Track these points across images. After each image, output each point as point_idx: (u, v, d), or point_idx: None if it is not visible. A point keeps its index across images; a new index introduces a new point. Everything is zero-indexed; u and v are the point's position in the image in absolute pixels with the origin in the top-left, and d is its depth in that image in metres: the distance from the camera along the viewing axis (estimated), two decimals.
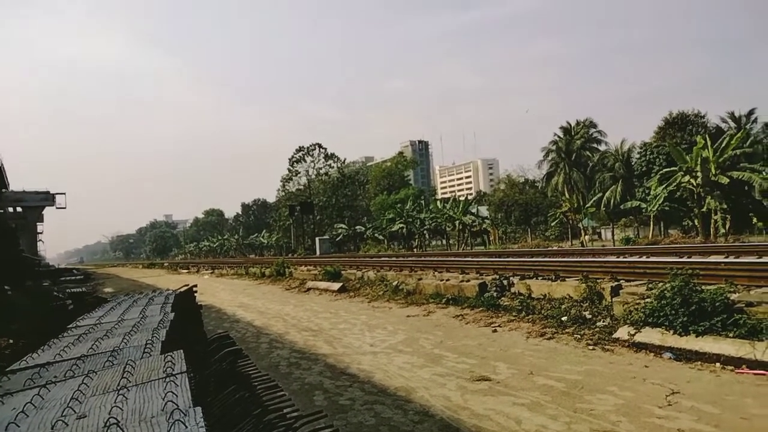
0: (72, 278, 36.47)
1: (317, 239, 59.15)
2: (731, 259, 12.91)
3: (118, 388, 2.71)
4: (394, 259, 25.47)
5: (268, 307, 14.30)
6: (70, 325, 5.27)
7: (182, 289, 7.48)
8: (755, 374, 5.32)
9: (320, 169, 78.56)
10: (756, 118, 52.41)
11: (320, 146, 78.19)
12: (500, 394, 5.32)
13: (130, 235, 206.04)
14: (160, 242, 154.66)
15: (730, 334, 6.07)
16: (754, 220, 35.33)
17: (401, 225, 55.62)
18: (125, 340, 3.94)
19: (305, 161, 78.18)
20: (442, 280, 12.98)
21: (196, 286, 7.73)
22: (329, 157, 78.38)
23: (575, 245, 39.25)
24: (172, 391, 2.48)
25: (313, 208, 66.92)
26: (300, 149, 77.91)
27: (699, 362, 5.88)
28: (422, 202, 65.55)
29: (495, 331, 8.49)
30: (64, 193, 62.33)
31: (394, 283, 14.08)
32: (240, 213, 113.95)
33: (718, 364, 5.74)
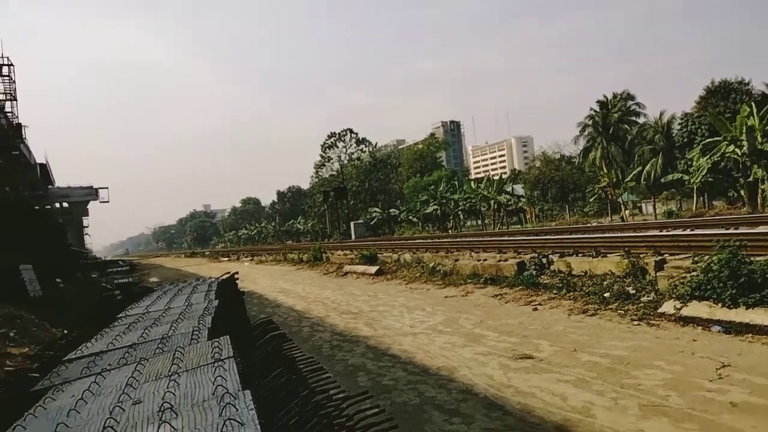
0: (118, 269, 37.86)
1: (352, 224, 59.54)
2: None
3: (170, 374, 2.83)
4: (429, 240, 25.46)
5: (308, 291, 14.55)
6: (120, 315, 5.50)
7: (224, 277, 7.69)
8: None
9: (352, 154, 78.87)
10: None
11: (351, 131, 78.40)
12: (544, 371, 5.30)
13: (171, 226, 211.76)
14: (200, 232, 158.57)
15: None
16: None
17: (435, 206, 55.41)
18: (173, 328, 4.09)
19: (337, 147, 78.62)
20: (479, 260, 12.91)
21: (237, 273, 7.93)
22: (361, 141, 78.55)
23: (615, 220, 38.32)
24: (221, 376, 2.57)
25: (347, 193, 67.25)
26: (332, 135, 78.34)
27: (750, 335, 5.71)
28: (456, 182, 65.06)
29: (535, 309, 8.43)
30: (107, 187, 64.56)
31: (431, 265, 14.09)
32: (276, 201, 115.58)
33: None
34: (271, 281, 18.92)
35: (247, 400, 2.21)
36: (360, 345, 7.36)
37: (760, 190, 31.50)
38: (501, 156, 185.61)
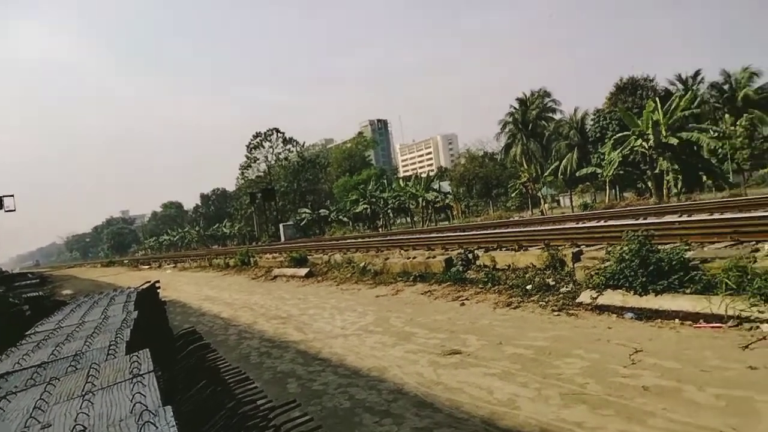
0: (27, 282, 34.99)
1: (281, 226, 58.51)
2: (684, 218, 13.40)
3: (83, 393, 2.62)
4: (360, 240, 25.46)
5: (235, 297, 14.10)
6: (29, 332, 5.05)
7: (144, 286, 7.26)
8: (712, 327, 5.57)
9: (279, 154, 77.43)
10: (702, 79, 54.18)
11: (278, 131, 76.96)
12: (471, 366, 5.40)
13: (86, 234, 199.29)
14: (117, 239, 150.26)
15: (687, 291, 6.31)
16: (704, 178, 36.86)
17: (365, 206, 55.60)
18: (88, 343, 3.80)
19: (263, 147, 76.88)
20: (408, 258, 13.04)
21: (158, 281, 7.51)
22: (288, 141, 77.26)
23: (535, 214, 40.12)
24: (139, 392, 2.41)
25: (275, 195, 65.98)
26: (257, 135, 76.49)
27: (659, 320, 6.11)
28: (385, 181, 65.63)
29: (463, 304, 8.61)
30: (12, 195, 59.45)
31: (362, 265, 14.08)
32: (199, 204, 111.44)
33: (677, 321, 5.97)
34: (196, 288, 18.18)
35: (168, 417, 2.08)
36: (290, 350, 7.20)
37: (665, 181, 34.06)
38: (428, 154, 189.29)
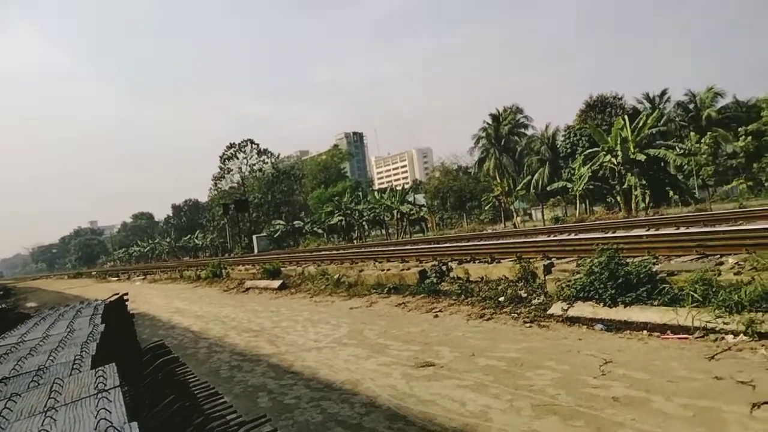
0: None
1: (254, 237, 57.86)
2: (652, 231, 13.75)
3: (45, 409, 2.52)
4: (334, 252, 25.34)
5: (206, 310, 13.84)
6: None
7: (112, 298, 7.07)
8: (679, 338, 5.69)
9: (254, 165, 76.91)
10: (668, 98, 55.99)
11: (252, 142, 76.46)
12: (444, 378, 5.40)
13: (53, 245, 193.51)
14: (85, 250, 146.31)
15: (655, 303, 6.45)
16: (671, 193, 37.90)
17: (340, 217, 55.45)
18: (52, 358, 3.67)
19: (237, 158, 76.23)
20: (383, 270, 13.03)
21: (127, 294, 7.33)
22: (262, 152, 76.83)
23: (508, 227, 40.60)
24: (105, 408, 2.33)
25: (249, 206, 65.31)
26: (231, 146, 75.86)
27: (628, 331, 6.22)
28: (360, 193, 65.63)
29: (437, 316, 8.62)
30: None
31: (336, 277, 14.00)
32: (171, 215, 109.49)
33: (645, 332, 6.09)
34: (166, 301, 17.79)
35: None
36: (261, 364, 7.08)
37: (633, 196, 34.90)
38: (403, 167, 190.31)
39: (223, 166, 76.35)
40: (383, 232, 59.88)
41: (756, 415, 3.68)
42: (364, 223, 56.58)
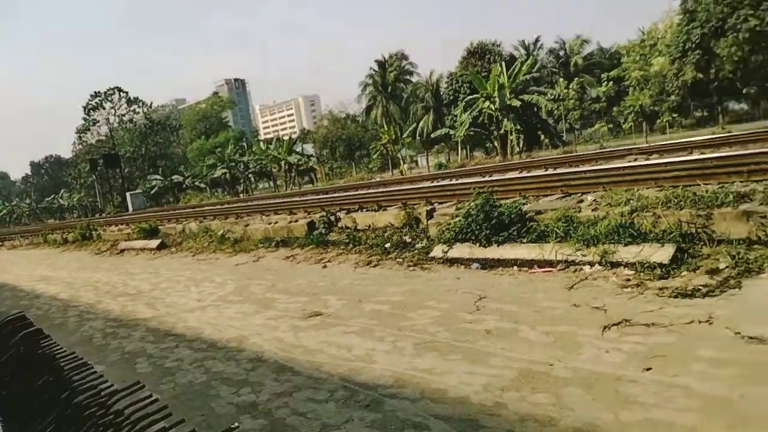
0: None
1: (128, 195, 53.60)
2: (524, 174, 14.77)
3: None
4: (218, 207, 24.31)
5: (75, 276, 12.71)
6: None
7: None
8: (544, 272, 6.22)
9: (123, 116, 70.33)
10: (542, 45, 59.35)
11: (120, 90, 69.72)
12: (332, 326, 5.46)
13: None
14: None
15: (524, 240, 6.95)
16: (542, 137, 40.84)
17: (224, 170, 53.19)
18: None
19: (104, 108, 69.17)
20: (270, 224, 12.73)
21: None
22: (132, 101, 70.35)
23: (395, 175, 41.51)
24: None
25: (119, 160, 60.01)
26: (96, 95, 68.59)
27: (501, 268, 6.68)
28: (244, 144, 63.18)
29: (325, 266, 8.66)
30: None
31: (220, 233, 13.47)
32: (30, 174, 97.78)
33: (515, 268, 6.58)
34: (28, 269, 16.07)
35: None
36: (139, 329, 6.68)
37: (509, 141, 37.12)
38: (290, 116, 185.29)
39: (87, 117, 69.04)
40: (271, 184, 58.52)
41: (606, 336, 4.15)
42: (250, 175, 54.81)
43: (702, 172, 7.71)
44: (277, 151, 50.64)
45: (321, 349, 4.84)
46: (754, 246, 5.25)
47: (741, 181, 6.98)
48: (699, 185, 6.88)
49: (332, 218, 11.46)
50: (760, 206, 5.52)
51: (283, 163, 49.99)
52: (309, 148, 57.74)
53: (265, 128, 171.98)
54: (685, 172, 7.91)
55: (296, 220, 12.26)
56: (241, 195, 51.09)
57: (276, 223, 12.62)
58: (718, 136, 18.28)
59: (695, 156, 11.44)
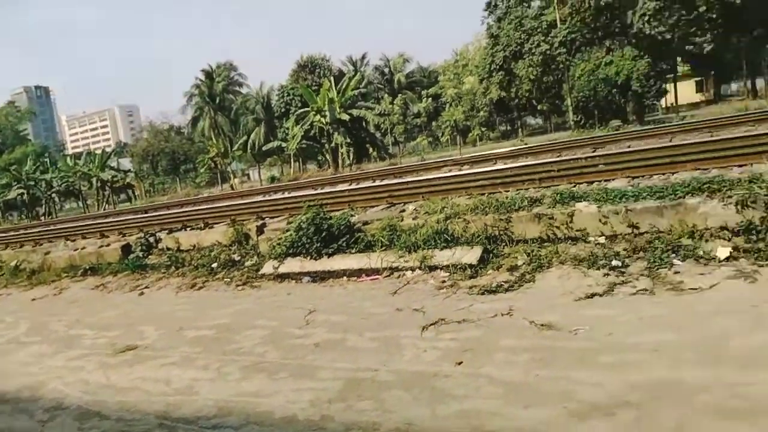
0: None
1: None
2: (353, 185, 15.19)
3: None
4: (11, 234, 20.86)
5: None
6: None
7: None
8: (371, 280, 6.43)
9: None
10: (368, 62, 62.05)
11: None
12: (148, 359, 4.97)
13: None
14: None
15: (353, 251, 7.12)
16: (371, 150, 42.65)
17: (21, 190, 45.83)
18: None
19: None
20: (77, 249, 11.26)
21: None
22: None
23: (225, 189, 39.91)
24: None
25: None
26: None
27: (331, 280, 6.74)
28: (47, 160, 55.41)
29: (142, 293, 7.90)
30: None
31: (13, 264, 11.54)
32: None
33: (345, 278, 6.69)
34: None
35: None
36: None
37: (340, 154, 38.08)
38: (104, 128, 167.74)
39: None
40: (80, 204, 52.09)
41: (424, 336, 4.40)
42: (54, 195, 48.11)
43: (503, 180, 8.68)
44: (88, 167, 45.27)
45: (135, 387, 4.37)
46: (545, 244, 6.05)
47: (534, 188, 8.00)
48: (501, 192, 7.72)
49: (151, 239, 10.52)
50: (548, 209, 6.38)
51: (94, 180, 44.79)
52: (126, 163, 52.78)
53: (74, 141, 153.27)
54: (489, 181, 8.82)
55: (108, 244, 11.02)
56: (42, 218, 44.51)
57: (83, 248, 11.21)
58: (517, 147, 20.68)
59: (498, 166, 12.85)
